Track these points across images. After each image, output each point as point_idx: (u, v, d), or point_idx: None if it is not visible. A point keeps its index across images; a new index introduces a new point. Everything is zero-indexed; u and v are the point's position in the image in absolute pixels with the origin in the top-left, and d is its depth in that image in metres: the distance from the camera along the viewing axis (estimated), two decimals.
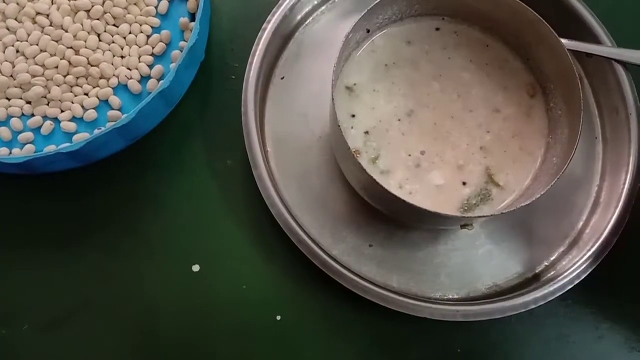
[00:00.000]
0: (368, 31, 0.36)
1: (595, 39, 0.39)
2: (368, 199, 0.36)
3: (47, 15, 0.37)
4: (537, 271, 0.36)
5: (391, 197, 0.30)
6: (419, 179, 0.34)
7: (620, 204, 0.36)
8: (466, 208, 0.33)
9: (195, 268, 0.35)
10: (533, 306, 0.33)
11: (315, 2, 0.40)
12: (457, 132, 0.35)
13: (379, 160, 0.34)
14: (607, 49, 0.38)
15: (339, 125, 0.31)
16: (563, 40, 0.33)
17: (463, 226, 0.33)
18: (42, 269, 0.35)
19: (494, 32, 0.37)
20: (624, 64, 0.38)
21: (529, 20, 0.33)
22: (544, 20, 0.33)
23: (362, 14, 0.33)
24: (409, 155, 0.35)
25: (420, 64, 0.37)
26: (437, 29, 0.37)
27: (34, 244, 0.36)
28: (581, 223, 0.37)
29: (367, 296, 0.33)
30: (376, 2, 0.33)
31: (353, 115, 0.35)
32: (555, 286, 0.34)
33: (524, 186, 0.34)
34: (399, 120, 0.35)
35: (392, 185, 0.34)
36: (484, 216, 0.32)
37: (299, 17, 0.40)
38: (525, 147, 0.34)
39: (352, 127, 0.35)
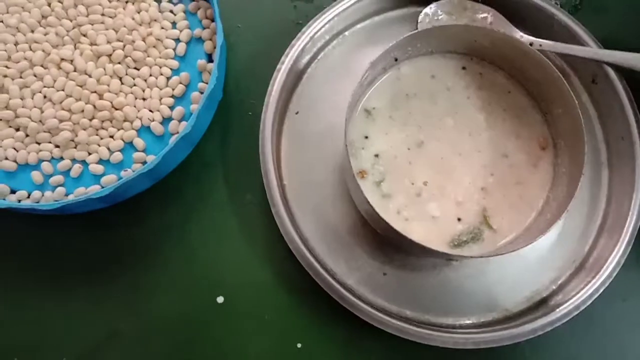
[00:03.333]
0: (396, 60, 0.38)
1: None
2: (370, 222, 0.37)
3: (71, 61, 0.39)
4: (545, 295, 0.38)
5: (382, 222, 0.32)
6: (417, 208, 0.36)
7: (626, 229, 0.37)
8: (456, 243, 0.35)
9: (220, 300, 0.37)
10: (541, 332, 0.35)
11: (327, 38, 0.41)
12: (461, 169, 0.36)
13: (383, 184, 0.36)
14: (597, 50, 0.39)
15: (346, 145, 0.33)
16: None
17: (449, 259, 0.34)
18: (72, 303, 0.38)
19: (518, 80, 0.38)
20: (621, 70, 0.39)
21: (551, 77, 0.35)
22: (563, 79, 0.34)
23: (393, 43, 0.35)
24: (412, 183, 0.36)
25: (439, 99, 0.38)
26: (464, 68, 0.39)
27: (63, 279, 0.38)
28: (587, 247, 0.38)
29: (382, 327, 0.35)
30: (407, 34, 0.35)
31: (366, 137, 0.37)
32: (563, 312, 0.35)
33: (516, 234, 0.35)
34: (409, 149, 0.37)
35: (391, 209, 0.36)
36: (467, 257, 0.34)
37: (311, 53, 0.41)
38: (525, 196, 0.36)
39: (363, 148, 0.37)
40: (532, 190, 0.36)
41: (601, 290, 0.36)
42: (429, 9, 0.42)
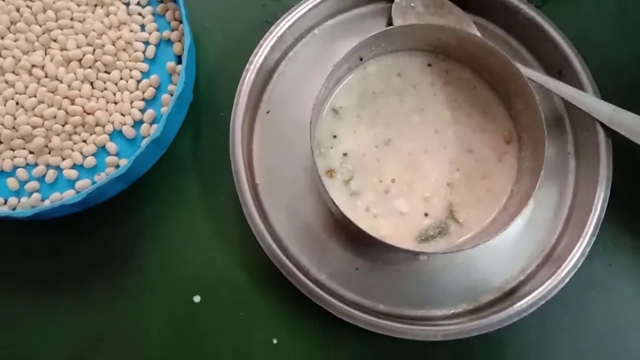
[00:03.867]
0: (361, 59, 0.38)
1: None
2: (339, 220, 0.38)
3: (42, 67, 0.39)
4: (513, 285, 0.38)
5: (349, 221, 0.33)
6: (386, 204, 0.37)
7: (591, 219, 0.38)
8: (424, 238, 0.36)
9: (197, 299, 0.38)
10: (508, 323, 0.36)
11: (296, 35, 0.42)
12: (428, 166, 0.37)
13: (352, 182, 0.37)
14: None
15: (312, 147, 0.34)
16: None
17: (416, 254, 0.35)
18: (53, 309, 0.38)
19: (483, 76, 0.39)
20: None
21: (512, 73, 0.35)
22: (524, 76, 0.34)
23: (355, 45, 0.35)
24: (380, 181, 0.37)
25: (405, 97, 0.39)
26: (429, 65, 0.39)
27: (43, 285, 0.39)
28: (555, 238, 0.39)
29: (352, 321, 0.35)
30: (370, 35, 0.35)
31: (335, 136, 0.38)
32: (529, 302, 0.36)
33: (482, 226, 0.36)
34: (377, 147, 0.38)
35: (360, 206, 0.37)
36: (431, 253, 0.35)
37: (280, 52, 0.41)
38: (491, 190, 0.36)
39: (331, 147, 0.38)
40: (498, 184, 0.37)
41: (567, 281, 0.37)
42: None
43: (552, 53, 0.41)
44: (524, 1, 0.41)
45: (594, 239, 0.37)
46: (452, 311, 0.38)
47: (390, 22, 0.42)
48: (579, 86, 0.39)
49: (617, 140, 0.38)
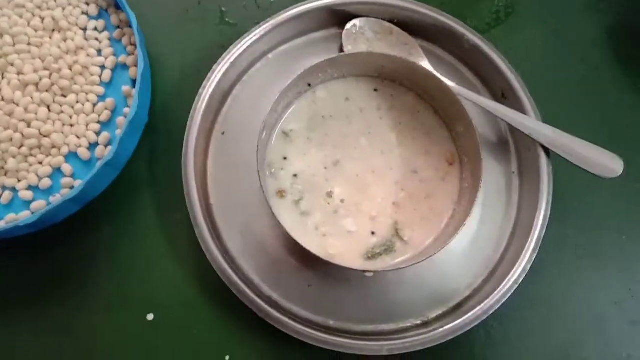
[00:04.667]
0: (309, 85, 0.40)
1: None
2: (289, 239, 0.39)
3: None
4: (459, 300, 0.40)
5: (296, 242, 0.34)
6: (334, 224, 0.38)
7: (532, 235, 0.39)
8: (370, 256, 0.37)
9: (150, 317, 0.39)
10: (452, 337, 0.37)
11: (250, 60, 0.43)
12: (375, 186, 0.38)
13: (302, 202, 0.38)
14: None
15: (258, 170, 0.35)
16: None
17: (364, 272, 0.37)
18: (8, 328, 0.39)
19: (426, 100, 0.40)
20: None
21: (451, 99, 0.37)
22: (462, 103, 0.36)
23: (301, 72, 0.37)
24: (329, 203, 0.38)
25: (353, 120, 0.40)
26: (376, 90, 0.41)
27: None
28: (499, 254, 0.41)
29: (302, 338, 0.36)
30: (316, 63, 0.37)
31: (285, 158, 0.39)
32: (472, 317, 0.37)
33: (425, 244, 0.37)
34: (326, 168, 0.39)
35: (310, 225, 0.38)
36: (373, 270, 0.36)
37: (235, 75, 0.43)
38: (435, 209, 0.38)
39: (282, 169, 0.39)
40: (441, 203, 0.38)
41: (509, 295, 0.38)
42: (358, 21, 0.44)
43: (496, 77, 0.43)
44: (468, 28, 0.43)
45: (535, 255, 0.39)
46: (400, 326, 0.39)
47: (341, 48, 0.44)
48: (521, 109, 0.41)
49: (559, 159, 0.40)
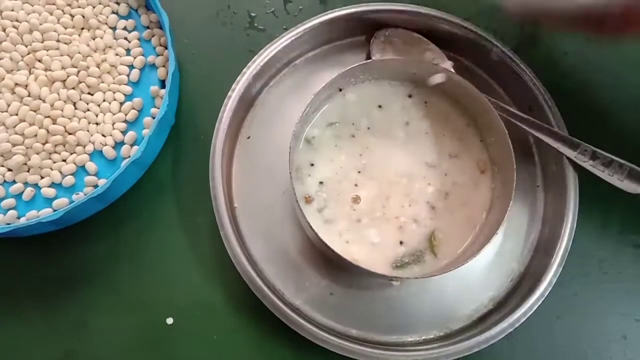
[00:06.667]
0: (340, 90, 0.40)
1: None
2: (316, 244, 0.38)
3: (26, 86, 0.40)
4: (483, 313, 0.39)
5: (325, 246, 0.34)
6: (358, 232, 0.37)
7: (558, 249, 0.39)
8: (398, 264, 0.37)
9: (170, 321, 0.38)
10: (477, 349, 0.37)
11: (278, 66, 0.43)
12: (405, 194, 0.38)
13: (325, 210, 0.38)
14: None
15: (290, 173, 0.35)
16: None
17: (390, 279, 0.36)
18: (25, 325, 0.38)
19: (459, 108, 0.40)
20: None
21: (484, 108, 0.37)
22: (495, 111, 0.36)
23: (335, 76, 0.37)
24: (354, 209, 0.38)
25: (384, 126, 0.40)
26: (410, 96, 0.40)
27: (16, 302, 0.39)
28: (524, 267, 0.40)
29: (325, 346, 0.36)
30: (350, 67, 0.37)
31: (312, 164, 0.39)
32: (499, 329, 0.37)
33: (455, 255, 0.37)
34: (353, 176, 0.39)
35: (333, 232, 0.37)
36: (402, 278, 0.35)
37: (262, 81, 0.43)
38: (469, 218, 0.38)
39: (309, 175, 0.38)
40: (475, 212, 0.38)
41: (535, 308, 0.38)
42: (388, 31, 0.44)
43: (523, 90, 0.43)
44: (496, 41, 0.43)
45: (561, 269, 0.38)
46: (423, 337, 0.39)
47: (368, 56, 0.44)
48: (547, 122, 0.41)
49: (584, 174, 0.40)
